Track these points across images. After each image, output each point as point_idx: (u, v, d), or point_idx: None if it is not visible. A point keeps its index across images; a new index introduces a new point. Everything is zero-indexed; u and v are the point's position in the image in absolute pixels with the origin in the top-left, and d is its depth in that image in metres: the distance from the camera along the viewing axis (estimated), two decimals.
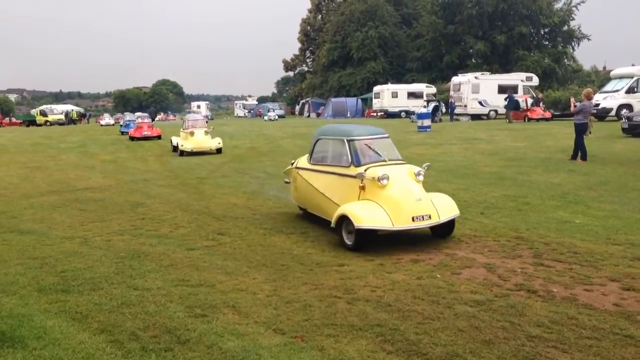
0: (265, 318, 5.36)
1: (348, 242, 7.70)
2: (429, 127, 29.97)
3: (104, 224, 9.99)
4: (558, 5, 67.54)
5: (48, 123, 64.00)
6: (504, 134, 25.86)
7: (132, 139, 31.30)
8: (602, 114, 30.15)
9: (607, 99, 31.00)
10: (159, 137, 31.40)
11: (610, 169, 14.15)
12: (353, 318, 5.31)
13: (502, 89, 42.70)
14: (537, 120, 34.95)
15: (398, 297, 5.82)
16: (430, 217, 7.61)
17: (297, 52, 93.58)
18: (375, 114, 54.75)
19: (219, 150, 22.75)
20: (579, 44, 69.60)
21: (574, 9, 66.61)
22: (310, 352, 4.61)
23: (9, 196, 13.55)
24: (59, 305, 5.84)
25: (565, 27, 68.09)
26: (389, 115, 51.97)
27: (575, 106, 16.45)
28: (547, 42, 70.25)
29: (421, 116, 31.09)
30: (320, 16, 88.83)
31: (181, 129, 24.26)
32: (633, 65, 34.61)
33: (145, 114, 46.96)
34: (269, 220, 9.88)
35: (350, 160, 8.21)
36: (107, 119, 65.02)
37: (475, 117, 42.32)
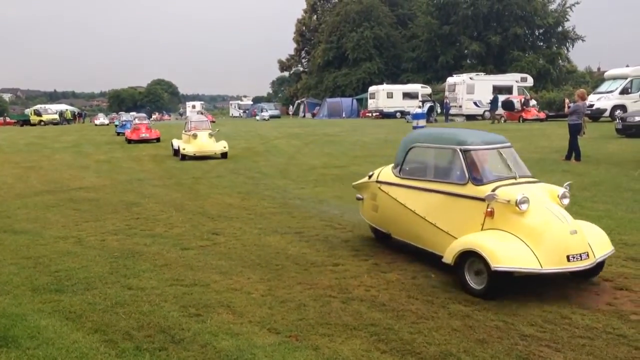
0: (260, 317, 5.36)
1: (475, 286, 5.86)
2: (423, 127, 30.00)
3: (98, 224, 9.96)
4: (553, 7, 67.72)
5: (42, 123, 63.78)
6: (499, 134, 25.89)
7: (128, 141, 29.11)
8: (596, 115, 30.26)
9: (601, 99, 31.11)
10: (157, 140, 29.18)
11: (604, 169, 14.20)
12: (347, 317, 5.32)
13: (496, 90, 42.81)
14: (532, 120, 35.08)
15: (392, 297, 5.83)
16: (588, 255, 5.77)
17: (292, 53, 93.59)
18: (370, 115, 54.81)
19: (224, 155, 20.84)
20: (573, 45, 69.81)
21: (568, 10, 66.79)
22: (304, 351, 4.62)
23: (2, 196, 13.50)
24: (53, 304, 5.83)
25: (560, 28, 68.26)
26: (384, 115, 52.04)
27: (569, 107, 16.47)
28: (541, 43, 70.42)
29: (416, 116, 31.12)
30: (315, 16, 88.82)
31: (183, 131, 22.59)
32: (627, 66, 34.73)
33: (143, 114, 43.34)
34: (264, 220, 9.87)
35: (467, 176, 6.40)
36: (101, 119, 64.90)
37: (470, 117, 42.42)
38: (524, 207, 5.85)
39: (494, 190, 6.06)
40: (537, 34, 70.38)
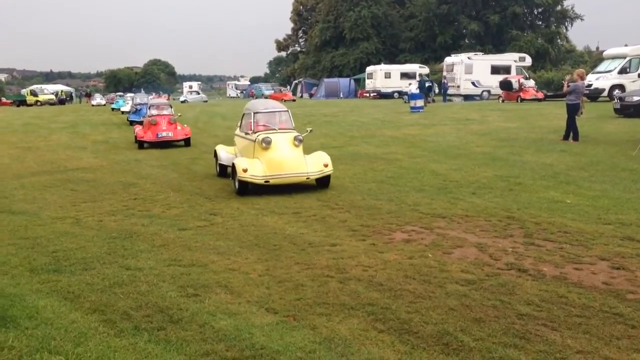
0: (258, 297, 5.38)
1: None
2: (421, 107, 29.95)
3: (95, 204, 9.96)
4: None
5: (39, 103, 63.49)
6: (496, 114, 25.88)
7: (141, 144, 18.89)
8: (594, 95, 30.19)
9: (600, 79, 31.02)
10: (187, 142, 19.06)
11: (602, 149, 14.20)
12: (345, 297, 5.34)
13: (495, 70, 42.69)
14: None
15: (390, 277, 5.85)
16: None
17: (289, 32, 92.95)
18: (368, 95, 54.62)
19: (322, 181, 10.73)
20: (572, 24, 69.58)
21: None
22: (302, 331, 4.64)
23: None
24: (51, 285, 5.84)
25: (559, 7, 67.91)
26: (381, 95, 51.86)
27: (568, 86, 16.42)
28: (540, 22, 70.10)
29: (414, 97, 31.04)
30: None
31: (239, 131, 12.13)
32: (626, 45, 34.60)
33: (163, 100, 26.67)
34: (261, 201, 9.87)
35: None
36: (98, 99, 64.56)
37: (468, 97, 42.30)
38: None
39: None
40: (535, 13, 70.03)
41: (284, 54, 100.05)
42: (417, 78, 46.51)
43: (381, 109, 34.72)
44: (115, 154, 17.49)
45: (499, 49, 60.32)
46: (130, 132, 23.09)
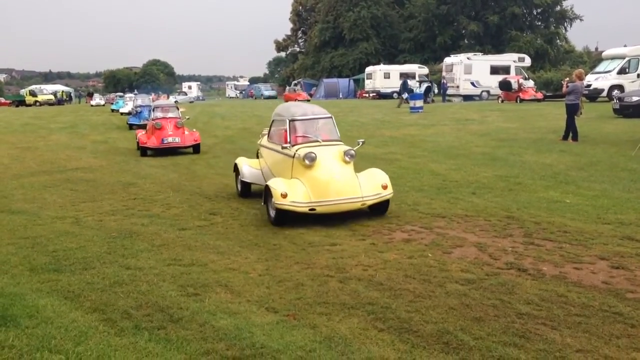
0: (258, 297, 5.39)
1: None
2: (421, 107, 29.96)
3: (95, 204, 9.96)
4: None
5: (37, 103, 63.45)
6: (495, 114, 25.89)
7: (144, 150, 16.79)
8: (593, 95, 30.22)
9: (599, 79, 31.05)
10: (196, 149, 17.00)
11: (601, 149, 14.21)
12: (345, 297, 5.34)
13: (494, 70, 42.72)
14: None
15: (389, 276, 5.85)
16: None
17: (289, 33, 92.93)
18: (367, 95, 54.61)
19: (379, 207, 8.53)
20: (571, 25, 69.57)
21: None
22: (302, 330, 4.64)
23: None
24: (51, 284, 5.84)
25: (558, 8, 67.90)
26: (381, 96, 51.85)
27: (567, 87, 16.44)
28: (539, 23, 70.10)
29: (413, 97, 31.06)
30: None
31: (267, 142, 9.99)
32: (625, 46, 34.62)
33: (169, 102, 22.97)
34: (261, 200, 9.85)
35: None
36: (97, 99, 64.52)
37: (468, 97, 42.32)
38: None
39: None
40: (535, 13, 70.02)
41: (283, 54, 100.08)
42: (417, 79, 46.56)
43: (380, 109, 34.72)
44: (114, 154, 17.48)
45: (498, 49, 60.34)
46: (130, 134, 22.99)
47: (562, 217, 7.98)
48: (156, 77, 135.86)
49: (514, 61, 44.36)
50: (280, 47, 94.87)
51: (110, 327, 4.76)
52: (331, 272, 6.03)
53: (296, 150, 8.37)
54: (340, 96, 59.89)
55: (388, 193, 8.33)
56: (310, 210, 7.89)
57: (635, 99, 21.95)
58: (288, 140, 8.68)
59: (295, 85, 63.96)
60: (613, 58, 32.09)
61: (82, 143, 21.11)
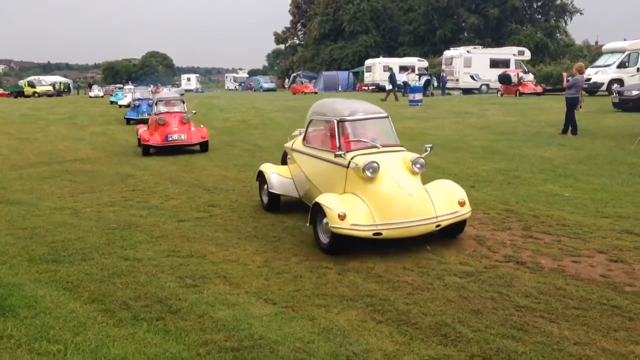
0: (256, 288, 5.39)
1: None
2: (420, 101, 29.91)
3: (94, 195, 9.95)
4: None
5: (36, 94, 63.28)
6: (495, 108, 25.85)
7: (145, 148, 15.26)
8: (593, 89, 30.18)
9: (599, 73, 31.00)
10: (203, 147, 15.56)
11: (600, 143, 14.21)
12: (343, 288, 5.35)
13: (494, 63, 42.65)
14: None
15: (388, 268, 5.86)
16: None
17: (288, 25, 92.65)
18: (366, 88, 54.51)
19: (453, 229, 6.87)
20: (571, 18, 69.55)
21: None
22: (300, 321, 4.65)
23: None
24: (50, 274, 5.84)
25: (558, 1, 67.82)
26: (380, 89, 51.74)
27: (567, 81, 16.41)
28: (539, 16, 70.02)
29: (412, 90, 31.01)
30: None
31: (303, 146, 8.23)
32: (625, 40, 34.55)
33: (174, 94, 20.63)
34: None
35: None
36: (96, 91, 64.34)
37: (467, 91, 42.26)
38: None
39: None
40: (535, 6, 69.95)
41: (282, 46, 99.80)
42: (417, 72, 46.46)
43: (379, 102, 34.65)
44: (113, 146, 17.46)
45: (498, 42, 60.25)
46: (130, 128, 22.89)
47: (561, 210, 7.99)
48: (155, 69, 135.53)
49: (514, 55, 44.27)
50: (279, 39, 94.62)
51: (109, 317, 4.76)
52: (330, 264, 6.03)
53: (351, 159, 6.69)
54: (340, 89, 59.75)
55: (466, 211, 6.69)
56: (374, 235, 6.23)
57: (634, 92, 21.93)
58: (338, 145, 6.97)
59: (295, 77, 63.88)
60: (613, 52, 32.03)
61: (81, 134, 21.07)
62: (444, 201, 6.59)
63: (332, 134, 7.28)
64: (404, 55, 63.60)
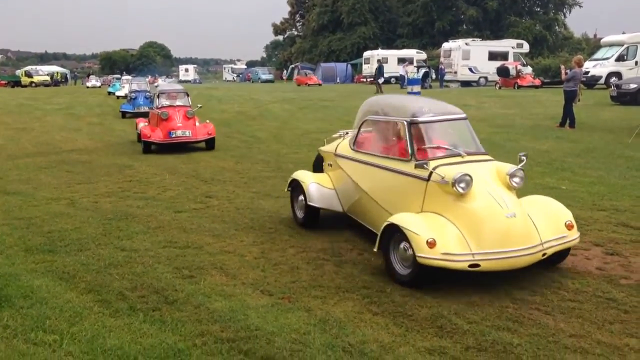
0: (253, 279, 5.39)
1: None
2: (418, 93, 29.86)
3: (90, 186, 9.93)
4: None
5: (33, 84, 63.02)
6: (493, 100, 25.83)
7: (147, 145, 14.00)
8: (591, 82, 30.15)
9: (597, 66, 30.97)
10: (209, 144, 14.43)
11: (598, 136, 14.22)
12: (340, 280, 5.36)
13: (492, 56, 42.57)
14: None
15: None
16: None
17: (286, 16, 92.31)
18: (364, 80, 54.38)
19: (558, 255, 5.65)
20: (570, 11, 69.46)
21: None
22: (297, 312, 4.65)
23: None
24: (46, 265, 5.84)
25: None
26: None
27: (566, 74, 16.40)
28: (538, 9, 69.89)
29: (411, 82, 30.97)
30: None
31: (353, 151, 6.83)
32: (624, 33, 34.50)
33: (177, 86, 19.53)
34: (257, 184, 9.86)
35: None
36: (93, 81, 64.08)
37: (465, 83, 42.20)
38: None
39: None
40: None
41: (281, 38, 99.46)
42: (415, 64, 46.32)
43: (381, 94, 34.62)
44: (110, 136, 17.43)
45: (496, 35, 60.08)
46: (128, 120, 22.80)
47: None
48: (153, 60, 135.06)
49: (513, 47, 44.18)
50: (278, 30, 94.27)
51: (105, 308, 4.76)
52: (327, 256, 6.04)
53: (433, 169, 5.43)
54: (338, 81, 59.63)
55: (575, 236, 5.48)
56: (470, 267, 4.99)
57: (632, 86, 21.93)
58: (410, 152, 5.76)
59: (294, 69, 63.64)
60: (611, 45, 31.97)
61: (78, 125, 21.01)
62: (549, 223, 5.40)
63: (399, 138, 6.10)
64: (403, 47, 63.39)
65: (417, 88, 30.15)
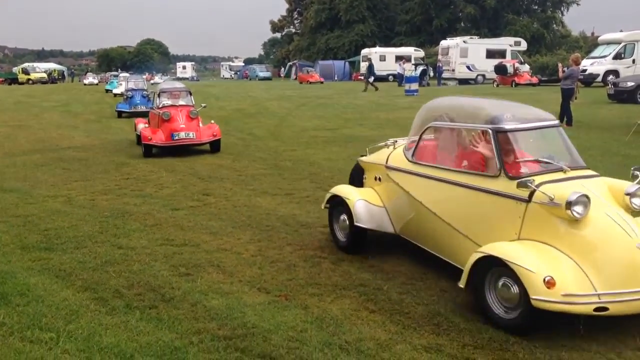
0: (250, 277, 5.39)
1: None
2: (416, 91, 29.87)
3: (87, 183, 9.92)
4: None
5: (30, 81, 62.90)
6: (491, 98, 25.85)
7: (147, 148, 12.96)
8: (588, 80, 30.17)
9: (594, 64, 31.00)
10: (215, 146, 13.37)
11: (595, 134, 14.23)
12: (337, 278, 5.36)
13: (490, 54, 42.60)
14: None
15: (382, 258, 5.86)
16: None
17: (284, 13, 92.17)
18: (362, 78, 54.33)
19: None
20: (568, 9, 69.34)
21: None
22: (294, 310, 4.65)
23: None
24: (43, 262, 5.83)
25: None
26: (376, 78, 51.59)
27: (563, 71, 16.40)
28: (536, 7, 69.82)
29: (409, 80, 30.98)
30: None
31: (411, 163, 5.73)
32: (621, 31, 34.52)
33: (178, 84, 16.05)
34: (255, 182, 9.85)
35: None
36: (90, 78, 63.94)
37: (463, 81, 42.21)
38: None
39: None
40: None
41: (278, 35, 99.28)
42: (413, 61, 46.32)
43: (375, 92, 34.59)
44: (107, 134, 17.38)
45: (494, 33, 60.06)
46: (122, 120, 22.73)
47: None
48: (150, 57, 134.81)
49: (510, 45, 44.21)
50: (275, 27, 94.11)
51: (102, 306, 4.76)
52: (324, 254, 6.04)
53: (537, 187, 4.46)
54: (336, 78, 59.61)
55: None
56: (596, 310, 4.01)
57: (630, 84, 21.96)
58: (499, 166, 4.73)
59: (291, 66, 63.55)
60: (609, 43, 32.01)
61: (75, 122, 20.96)
62: None
63: (481, 149, 5.04)
64: (401, 45, 63.34)
65: (414, 86, 30.16)
